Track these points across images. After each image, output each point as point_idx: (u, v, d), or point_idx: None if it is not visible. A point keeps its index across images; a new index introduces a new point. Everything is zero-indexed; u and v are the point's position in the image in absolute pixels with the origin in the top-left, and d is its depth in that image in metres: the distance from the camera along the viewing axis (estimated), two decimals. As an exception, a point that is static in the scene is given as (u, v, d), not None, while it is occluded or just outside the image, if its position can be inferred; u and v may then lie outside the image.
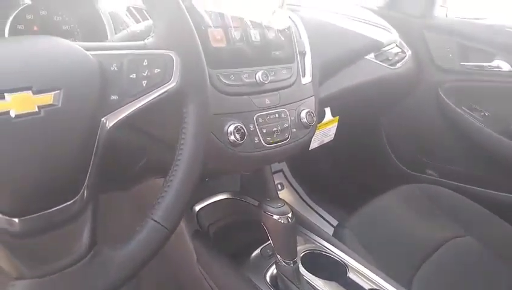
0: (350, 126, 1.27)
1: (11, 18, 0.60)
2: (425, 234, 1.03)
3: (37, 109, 0.35)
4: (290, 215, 0.70)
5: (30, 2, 0.62)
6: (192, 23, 0.49)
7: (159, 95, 0.45)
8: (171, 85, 0.46)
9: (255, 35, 0.75)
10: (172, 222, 0.45)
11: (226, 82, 0.68)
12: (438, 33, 1.28)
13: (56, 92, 0.36)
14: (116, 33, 0.62)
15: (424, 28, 1.30)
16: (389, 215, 1.09)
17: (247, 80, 0.71)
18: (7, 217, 0.34)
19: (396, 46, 1.30)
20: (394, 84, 1.28)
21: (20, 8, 0.61)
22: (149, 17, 0.66)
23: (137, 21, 0.66)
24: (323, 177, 1.69)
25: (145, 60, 0.44)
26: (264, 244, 0.85)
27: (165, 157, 0.69)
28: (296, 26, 0.90)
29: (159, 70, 0.45)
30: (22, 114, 0.34)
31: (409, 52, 1.31)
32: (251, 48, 0.74)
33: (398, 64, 1.26)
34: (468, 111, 1.27)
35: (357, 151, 1.59)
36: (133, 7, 0.67)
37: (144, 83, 0.44)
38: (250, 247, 0.85)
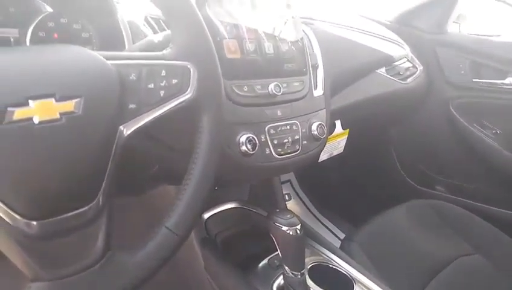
0: (359, 139, 1.27)
1: (33, 25, 0.62)
2: (434, 250, 1.02)
3: (58, 116, 0.35)
4: (299, 227, 0.70)
5: (52, 10, 0.64)
6: (209, 35, 0.50)
7: (176, 105, 0.46)
8: (187, 96, 0.47)
9: (268, 47, 0.76)
10: (185, 230, 0.46)
11: (239, 93, 0.69)
12: (450, 49, 1.28)
13: (77, 99, 0.37)
14: (134, 42, 0.63)
15: (436, 43, 1.30)
16: (397, 230, 1.09)
17: (260, 92, 0.72)
18: (25, 220, 0.35)
19: (408, 61, 1.30)
20: (405, 99, 1.29)
21: (42, 16, 0.63)
22: (167, 28, 0.67)
23: (155, 31, 0.67)
24: (330, 189, 1.68)
25: (163, 71, 0.45)
26: (272, 255, 0.85)
27: (176, 165, 0.70)
28: (308, 39, 0.91)
29: (176, 80, 0.46)
30: (45, 121, 0.35)
31: (420, 68, 1.31)
32: (264, 59, 0.75)
33: (409, 79, 1.26)
34: (479, 128, 1.27)
35: (366, 164, 1.59)
36: (150, 17, 0.69)
37: (162, 92, 0.45)
38: (258, 257, 0.85)
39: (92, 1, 0.62)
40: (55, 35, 0.64)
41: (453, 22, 1.33)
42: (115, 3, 0.61)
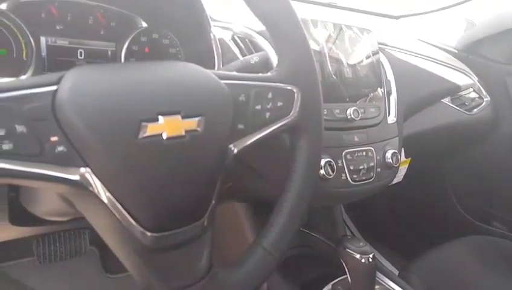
0: (416, 169, 1.23)
1: (129, 39, 0.64)
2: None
3: (183, 133, 0.36)
4: (371, 256, 0.68)
5: (147, 25, 0.66)
6: (314, 60, 0.50)
7: (278, 128, 0.46)
8: (289, 119, 0.47)
9: (347, 71, 0.76)
10: (281, 251, 0.46)
11: (320, 116, 0.68)
12: (523, 81, 1.23)
13: (200, 118, 0.37)
14: (223, 61, 0.64)
15: (506, 74, 1.25)
16: (457, 265, 1.05)
17: (338, 116, 0.71)
18: (141, 229, 0.36)
19: (474, 91, 1.26)
20: (469, 131, 1.24)
21: (137, 31, 0.65)
22: (254, 50, 0.68)
23: (242, 50, 0.68)
24: (379, 219, 1.63)
25: (270, 93, 0.45)
26: (335, 281, 0.83)
27: (252, 185, 0.70)
28: (382, 65, 0.90)
29: (281, 103, 0.46)
30: (172, 137, 0.35)
31: (486, 99, 1.26)
32: (344, 84, 0.74)
33: (475, 110, 1.22)
34: (548, 165, 1.20)
35: (419, 194, 1.53)
36: (237, 36, 0.70)
37: (267, 115, 0.45)
38: (321, 281, 0.83)
39: (188, 18, 0.63)
40: (147, 50, 0.67)
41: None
42: (209, 20, 0.62)
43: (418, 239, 1.49)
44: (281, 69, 0.47)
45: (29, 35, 0.55)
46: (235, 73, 0.46)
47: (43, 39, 0.57)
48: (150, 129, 0.34)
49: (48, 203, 0.50)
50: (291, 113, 0.47)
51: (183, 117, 0.36)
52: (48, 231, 0.95)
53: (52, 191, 0.44)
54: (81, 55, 0.60)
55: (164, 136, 0.35)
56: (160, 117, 0.35)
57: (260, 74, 0.47)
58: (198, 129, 0.37)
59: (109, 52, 0.63)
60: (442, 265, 1.04)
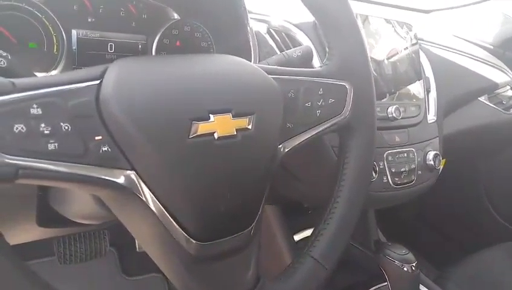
0: (448, 170, 1.18)
1: (161, 32, 0.61)
2: None
3: (235, 133, 0.33)
4: (415, 264, 0.64)
5: (179, 18, 0.63)
6: (369, 54, 0.46)
7: (329, 127, 0.42)
8: (341, 117, 0.43)
9: (387, 67, 0.72)
10: (332, 262, 0.42)
11: (360, 114, 0.64)
12: None
13: (251, 116, 0.34)
14: (259, 55, 0.61)
15: (547, 72, 1.19)
16: (496, 274, 0.99)
17: (379, 114, 0.67)
18: (186, 235, 0.33)
19: (511, 89, 1.20)
20: (505, 131, 1.18)
21: (169, 23, 0.62)
22: (291, 44, 0.64)
23: (278, 44, 0.64)
24: (407, 223, 1.58)
25: (321, 89, 0.42)
26: (372, 289, 0.79)
27: (287, 187, 0.67)
28: (421, 62, 0.85)
29: (333, 100, 0.42)
30: (223, 136, 0.32)
31: (524, 97, 1.20)
32: (384, 80, 0.70)
33: (512, 110, 1.16)
34: None
35: (450, 198, 1.47)
36: (272, 29, 0.66)
37: (318, 112, 0.41)
38: (357, 289, 0.79)
39: (225, 10, 0.60)
40: (178, 43, 0.64)
41: None
42: (247, 13, 0.59)
43: (448, 245, 1.44)
44: (332, 63, 0.44)
45: (61, 29, 0.52)
46: (282, 68, 0.42)
47: (74, 32, 0.54)
48: (201, 128, 0.31)
49: (80, 206, 0.47)
50: (343, 111, 0.43)
51: (234, 116, 0.33)
52: (68, 231, 0.93)
53: (86, 193, 0.41)
54: (111, 49, 0.58)
55: (216, 136, 0.32)
56: (211, 116, 0.32)
57: (309, 69, 0.43)
58: (250, 128, 0.34)
59: (140, 46, 0.60)
60: (480, 273, 0.98)
